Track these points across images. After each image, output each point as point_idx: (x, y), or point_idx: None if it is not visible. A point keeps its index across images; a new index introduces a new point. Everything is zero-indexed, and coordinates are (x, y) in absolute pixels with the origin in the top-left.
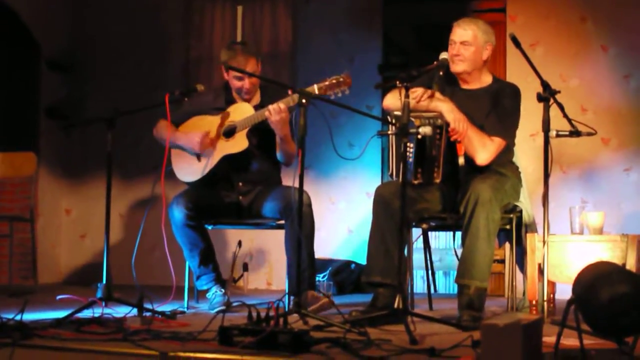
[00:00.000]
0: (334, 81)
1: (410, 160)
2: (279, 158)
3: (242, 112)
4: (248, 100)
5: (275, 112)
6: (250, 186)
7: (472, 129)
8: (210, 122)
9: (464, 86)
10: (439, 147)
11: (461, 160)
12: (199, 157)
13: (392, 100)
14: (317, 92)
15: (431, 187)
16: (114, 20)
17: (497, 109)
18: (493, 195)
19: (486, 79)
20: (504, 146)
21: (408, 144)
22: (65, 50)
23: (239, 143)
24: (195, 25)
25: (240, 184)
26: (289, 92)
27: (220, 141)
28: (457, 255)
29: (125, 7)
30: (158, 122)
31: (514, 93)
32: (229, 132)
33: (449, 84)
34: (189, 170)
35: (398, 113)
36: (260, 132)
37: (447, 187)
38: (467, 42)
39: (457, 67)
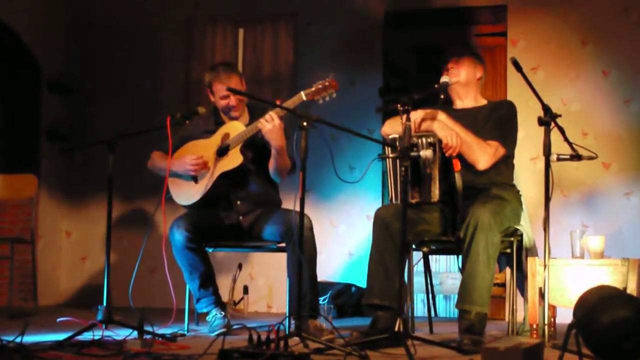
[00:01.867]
0: (320, 86)
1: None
2: (272, 173)
3: (234, 129)
4: (236, 119)
5: (268, 122)
6: (250, 206)
7: (469, 137)
8: (204, 145)
9: (459, 105)
10: (434, 165)
11: (457, 178)
12: (195, 179)
13: (390, 126)
14: (304, 98)
15: (430, 208)
16: (114, 42)
17: (493, 119)
18: (492, 219)
19: (481, 101)
20: (503, 154)
21: (404, 164)
22: (66, 72)
23: (234, 159)
24: (196, 47)
25: (239, 202)
26: (277, 102)
27: (214, 161)
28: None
29: (125, 29)
30: (151, 155)
31: (510, 106)
32: (222, 151)
33: (445, 105)
34: (188, 194)
35: (394, 136)
36: (254, 147)
37: (447, 209)
38: (460, 59)
39: (453, 78)
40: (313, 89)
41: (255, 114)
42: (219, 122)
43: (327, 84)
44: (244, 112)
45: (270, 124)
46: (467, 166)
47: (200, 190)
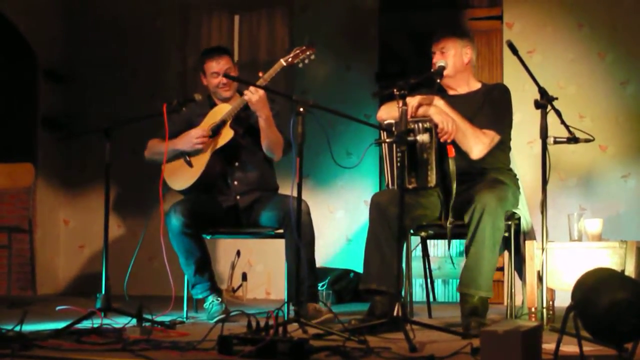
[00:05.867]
0: (297, 51)
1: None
2: (265, 150)
3: (220, 111)
4: (228, 97)
5: (253, 92)
6: (247, 186)
7: (464, 125)
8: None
9: (452, 92)
10: (430, 150)
11: (451, 164)
12: (190, 164)
13: (386, 111)
14: (284, 64)
15: (428, 193)
16: (110, 30)
17: (488, 105)
18: (499, 204)
19: (474, 85)
20: (498, 140)
21: (401, 149)
22: (62, 60)
23: (225, 135)
24: (192, 34)
25: (236, 182)
26: (260, 74)
27: (208, 143)
28: (452, 262)
29: (121, 17)
30: (148, 143)
31: (503, 90)
32: (214, 132)
33: (439, 92)
34: (183, 178)
35: (390, 121)
36: (243, 122)
37: (443, 193)
38: (443, 48)
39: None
40: (291, 54)
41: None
42: (212, 105)
43: (304, 47)
44: (235, 95)
45: (256, 95)
46: (462, 152)
47: (196, 172)
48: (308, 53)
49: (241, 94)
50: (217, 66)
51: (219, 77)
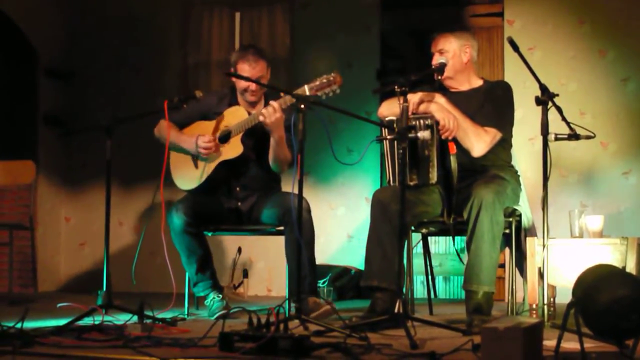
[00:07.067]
0: (324, 81)
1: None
2: (272, 164)
3: (236, 116)
4: (253, 103)
5: (270, 113)
6: (249, 192)
7: (466, 122)
8: (205, 128)
9: (454, 90)
10: (431, 147)
11: (453, 161)
12: (196, 164)
13: (387, 108)
14: (307, 92)
15: (429, 189)
16: (111, 27)
17: (489, 102)
18: (496, 198)
19: (476, 82)
20: (499, 138)
21: (402, 145)
22: (63, 58)
23: (235, 148)
24: (193, 32)
25: (238, 189)
26: (281, 94)
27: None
28: (459, 257)
29: (122, 14)
30: (160, 122)
31: (506, 88)
32: (224, 137)
33: (440, 90)
34: (187, 177)
35: (391, 118)
36: (255, 136)
37: (444, 190)
38: (442, 49)
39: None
40: (317, 82)
41: (269, 101)
42: (233, 103)
43: (331, 78)
44: (261, 99)
45: (272, 117)
46: (464, 149)
47: (199, 176)
48: (333, 87)
49: (267, 98)
50: (250, 71)
51: (249, 82)
